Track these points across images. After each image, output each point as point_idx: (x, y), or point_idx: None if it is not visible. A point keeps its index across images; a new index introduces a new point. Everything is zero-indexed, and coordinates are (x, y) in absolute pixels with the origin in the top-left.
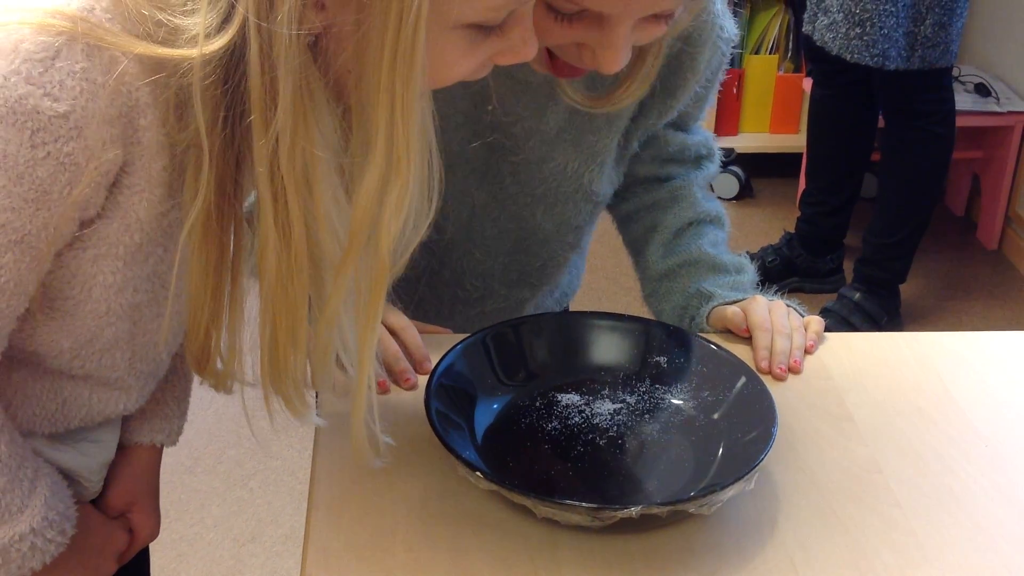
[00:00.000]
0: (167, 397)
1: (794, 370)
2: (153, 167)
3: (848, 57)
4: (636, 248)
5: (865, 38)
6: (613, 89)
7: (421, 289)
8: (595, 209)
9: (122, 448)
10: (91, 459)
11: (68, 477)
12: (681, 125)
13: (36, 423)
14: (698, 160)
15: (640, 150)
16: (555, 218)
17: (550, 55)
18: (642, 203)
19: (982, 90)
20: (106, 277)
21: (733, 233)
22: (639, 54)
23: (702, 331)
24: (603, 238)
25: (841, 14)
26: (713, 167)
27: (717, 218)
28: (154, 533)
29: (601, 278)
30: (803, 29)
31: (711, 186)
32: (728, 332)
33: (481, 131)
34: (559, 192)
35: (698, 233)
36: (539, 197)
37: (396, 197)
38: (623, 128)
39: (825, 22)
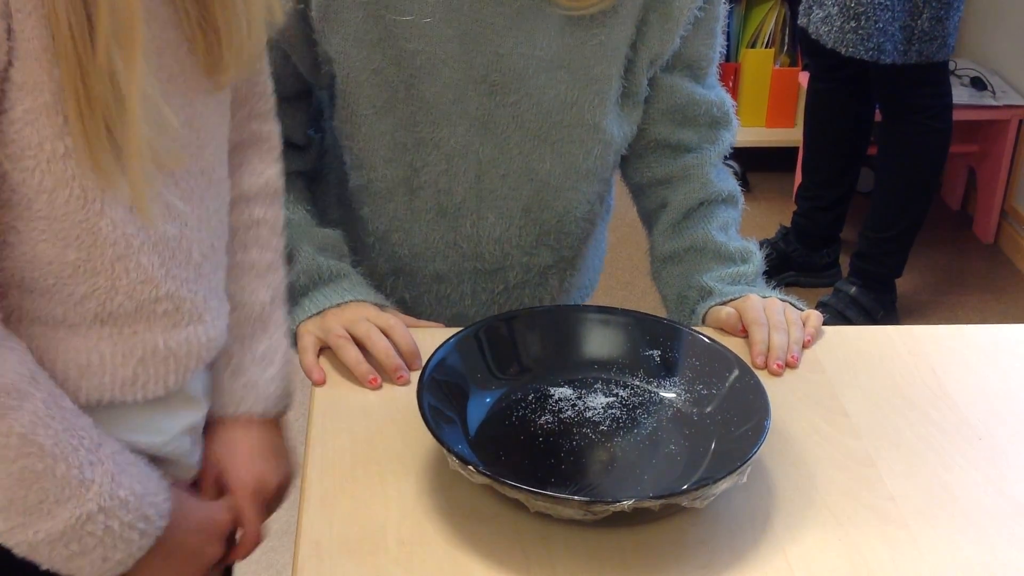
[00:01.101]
0: (246, 361)
1: (791, 365)
2: None
3: (843, 51)
4: (647, 222)
5: (860, 32)
6: None
7: (437, 266)
8: (604, 153)
9: (211, 425)
10: (165, 432)
11: (159, 461)
12: (694, 70)
13: (116, 391)
14: (713, 124)
15: (652, 97)
16: (564, 162)
17: None
18: (655, 176)
19: (978, 84)
20: (43, 148)
21: None
22: None
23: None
24: None
25: (836, 7)
26: (729, 136)
27: (730, 197)
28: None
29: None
30: (798, 22)
31: None
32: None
33: (474, 74)
34: (563, 129)
35: (708, 215)
36: (544, 138)
37: None
38: (622, 56)
39: (820, 15)
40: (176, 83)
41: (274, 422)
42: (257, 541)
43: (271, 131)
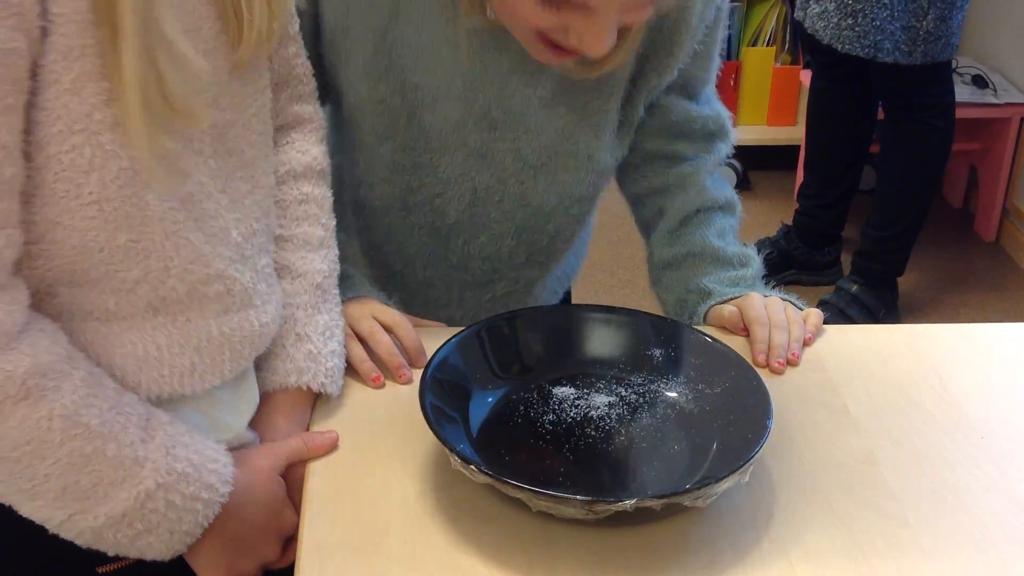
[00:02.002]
0: (310, 329)
1: (792, 363)
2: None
3: (839, 47)
4: (645, 231)
5: (856, 29)
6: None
7: (427, 274)
8: (597, 180)
9: (266, 396)
10: (231, 430)
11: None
12: (689, 90)
13: (175, 383)
14: (708, 137)
15: (647, 117)
16: (557, 190)
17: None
18: (651, 186)
19: (979, 82)
20: (92, 119)
21: None
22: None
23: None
24: (601, 231)
25: (833, 3)
26: (725, 147)
27: (727, 204)
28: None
29: (599, 271)
30: (795, 15)
31: None
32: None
33: (475, 110)
34: (558, 161)
35: (705, 221)
36: (539, 169)
37: None
38: (623, 91)
39: (816, 10)
40: (209, 59)
41: (313, 402)
42: None
43: (313, 112)
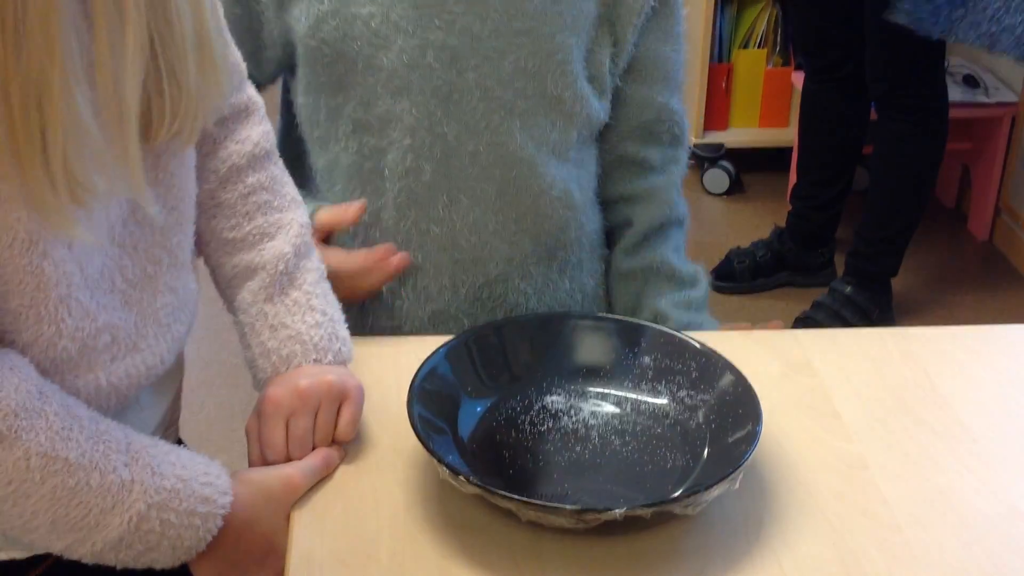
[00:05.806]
0: (282, 313)
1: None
2: None
3: (950, 39)
4: (610, 236)
5: (968, 19)
6: None
7: (415, 253)
8: (568, 127)
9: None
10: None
11: None
12: (667, 80)
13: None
14: (673, 142)
15: (624, 115)
16: (533, 135)
17: None
18: (620, 193)
19: (971, 81)
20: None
21: (724, 229)
22: None
23: None
24: None
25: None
26: (685, 155)
27: (684, 218)
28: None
29: None
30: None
31: (703, 184)
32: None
33: (431, 40)
34: (528, 99)
35: (666, 237)
36: (509, 108)
37: None
38: (584, 30)
39: (927, 8)
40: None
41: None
42: None
43: (248, 97)
